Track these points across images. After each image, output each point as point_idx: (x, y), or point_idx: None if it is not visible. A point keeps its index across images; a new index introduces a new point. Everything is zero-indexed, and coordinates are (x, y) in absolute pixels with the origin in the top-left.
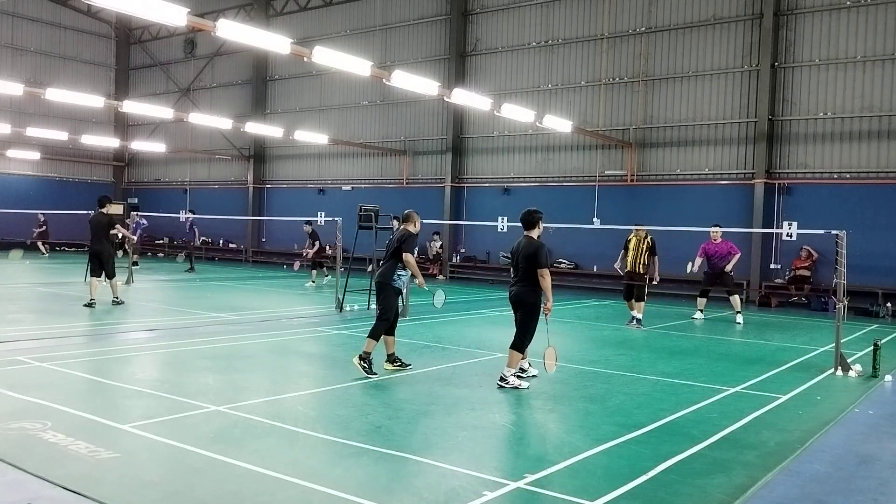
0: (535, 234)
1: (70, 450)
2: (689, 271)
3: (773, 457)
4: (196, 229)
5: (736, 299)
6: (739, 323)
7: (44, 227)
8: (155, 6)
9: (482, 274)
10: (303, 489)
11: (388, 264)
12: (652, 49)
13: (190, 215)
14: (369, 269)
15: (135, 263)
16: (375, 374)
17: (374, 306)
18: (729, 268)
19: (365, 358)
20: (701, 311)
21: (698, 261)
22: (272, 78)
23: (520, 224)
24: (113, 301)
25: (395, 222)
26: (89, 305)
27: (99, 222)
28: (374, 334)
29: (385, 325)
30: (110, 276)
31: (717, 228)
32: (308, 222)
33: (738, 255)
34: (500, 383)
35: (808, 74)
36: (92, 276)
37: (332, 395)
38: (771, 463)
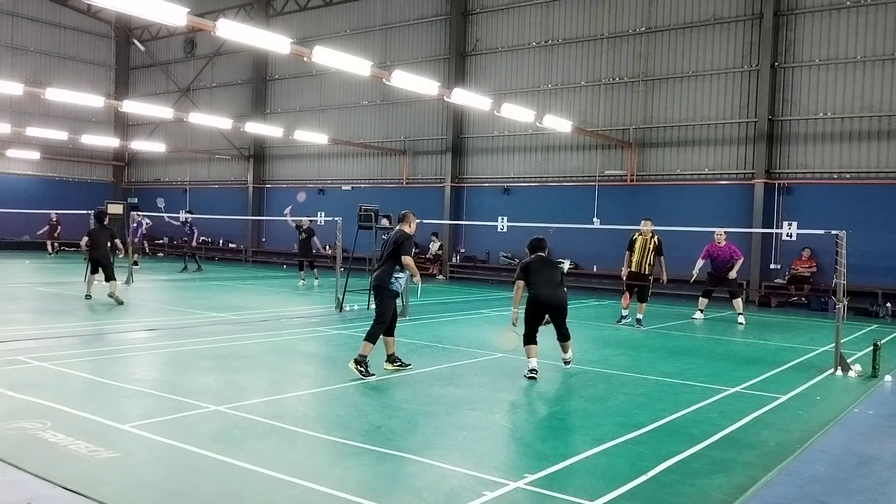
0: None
1: (70, 450)
2: (694, 275)
3: (773, 457)
4: (196, 229)
5: (739, 302)
6: (742, 323)
7: (47, 228)
8: (155, 6)
9: (482, 274)
10: (303, 489)
11: (385, 267)
12: (652, 49)
13: (188, 216)
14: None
15: (135, 263)
16: (373, 374)
17: (373, 306)
18: (732, 275)
19: (361, 362)
20: (701, 311)
21: (700, 262)
22: (272, 78)
23: (529, 246)
24: (113, 298)
25: (386, 221)
26: (87, 297)
27: (101, 235)
28: (371, 338)
29: (382, 328)
30: (110, 278)
31: (722, 230)
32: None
33: (740, 261)
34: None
35: (808, 74)
36: (92, 273)
37: (332, 395)
38: (771, 463)
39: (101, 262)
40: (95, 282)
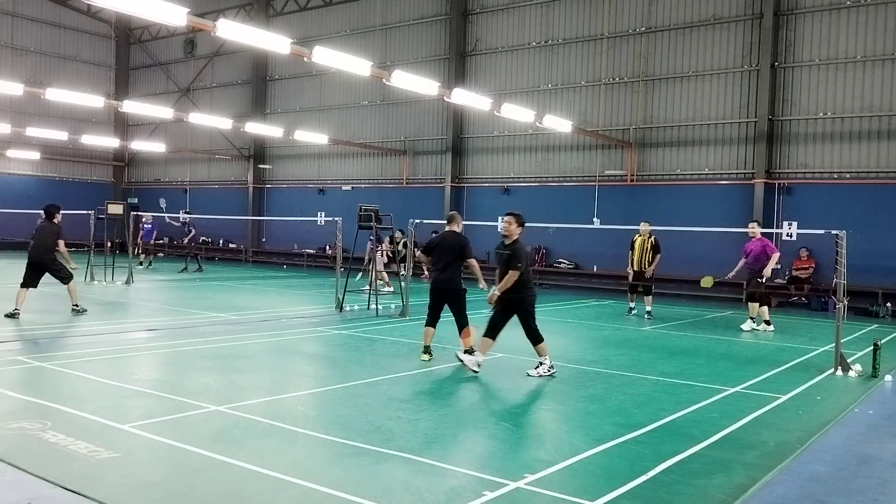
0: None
1: (70, 450)
2: (730, 276)
3: (773, 457)
4: (194, 229)
5: (754, 307)
6: (748, 330)
7: None
8: (155, 6)
9: (482, 274)
10: (303, 489)
11: (452, 270)
12: (652, 49)
13: (186, 216)
14: (359, 275)
15: (140, 264)
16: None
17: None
18: (767, 271)
19: (470, 351)
20: (752, 318)
21: (740, 263)
22: (272, 78)
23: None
24: (78, 307)
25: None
26: (12, 316)
27: (46, 231)
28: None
29: (467, 319)
30: (66, 280)
31: (754, 225)
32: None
33: (776, 256)
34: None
35: (808, 74)
36: (22, 287)
37: (332, 395)
38: (771, 463)
39: (47, 267)
40: (25, 294)
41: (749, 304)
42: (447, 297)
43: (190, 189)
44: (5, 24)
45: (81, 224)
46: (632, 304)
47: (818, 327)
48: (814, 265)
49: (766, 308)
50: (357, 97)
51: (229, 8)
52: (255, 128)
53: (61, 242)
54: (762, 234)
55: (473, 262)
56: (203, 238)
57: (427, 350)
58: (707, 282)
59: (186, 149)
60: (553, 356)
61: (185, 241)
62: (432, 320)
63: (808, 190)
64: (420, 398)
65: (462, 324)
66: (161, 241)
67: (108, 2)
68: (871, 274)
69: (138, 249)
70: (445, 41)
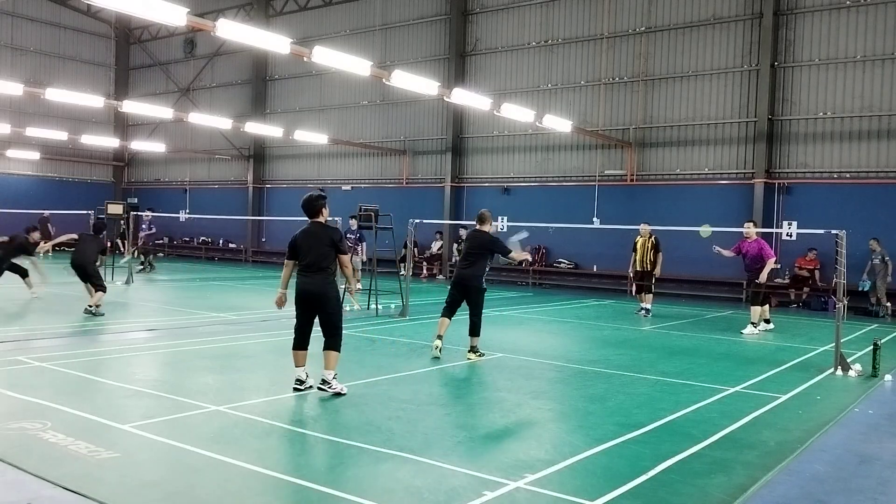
0: None
1: (70, 450)
2: (717, 249)
3: (773, 456)
4: (153, 227)
5: (755, 310)
6: (748, 333)
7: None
8: (155, 6)
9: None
10: (302, 489)
11: (477, 267)
12: (652, 49)
13: (150, 214)
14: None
15: (141, 263)
16: (484, 354)
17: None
18: (762, 278)
19: (475, 350)
20: (753, 323)
21: (729, 253)
22: (272, 78)
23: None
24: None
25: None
26: None
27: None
28: (477, 331)
29: (480, 319)
30: None
31: (750, 225)
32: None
33: (770, 261)
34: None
35: (808, 74)
36: None
37: (332, 395)
38: (771, 463)
39: None
40: None
41: (752, 307)
42: (468, 292)
43: (190, 189)
44: (5, 24)
45: (80, 224)
46: (644, 305)
47: (818, 327)
48: (817, 266)
49: (765, 307)
50: (357, 97)
51: (229, 8)
52: (254, 128)
53: None
54: (758, 234)
55: (513, 253)
56: (203, 238)
57: (440, 338)
58: (706, 232)
59: (186, 149)
60: (554, 356)
61: (145, 236)
62: (449, 312)
63: (808, 190)
64: (420, 398)
65: (475, 324)
66: (161, 241)
67: (108, 2)
68: (871, 273)
69: (136, 251)
70: (445, 41)
